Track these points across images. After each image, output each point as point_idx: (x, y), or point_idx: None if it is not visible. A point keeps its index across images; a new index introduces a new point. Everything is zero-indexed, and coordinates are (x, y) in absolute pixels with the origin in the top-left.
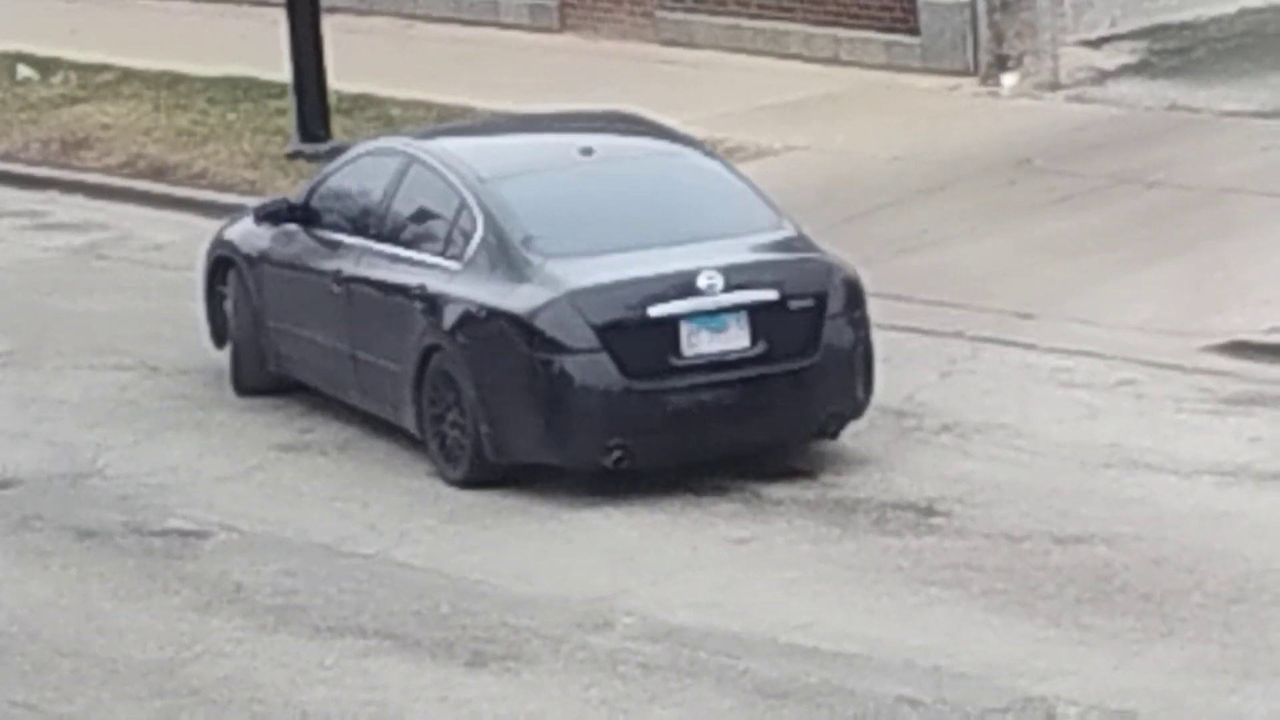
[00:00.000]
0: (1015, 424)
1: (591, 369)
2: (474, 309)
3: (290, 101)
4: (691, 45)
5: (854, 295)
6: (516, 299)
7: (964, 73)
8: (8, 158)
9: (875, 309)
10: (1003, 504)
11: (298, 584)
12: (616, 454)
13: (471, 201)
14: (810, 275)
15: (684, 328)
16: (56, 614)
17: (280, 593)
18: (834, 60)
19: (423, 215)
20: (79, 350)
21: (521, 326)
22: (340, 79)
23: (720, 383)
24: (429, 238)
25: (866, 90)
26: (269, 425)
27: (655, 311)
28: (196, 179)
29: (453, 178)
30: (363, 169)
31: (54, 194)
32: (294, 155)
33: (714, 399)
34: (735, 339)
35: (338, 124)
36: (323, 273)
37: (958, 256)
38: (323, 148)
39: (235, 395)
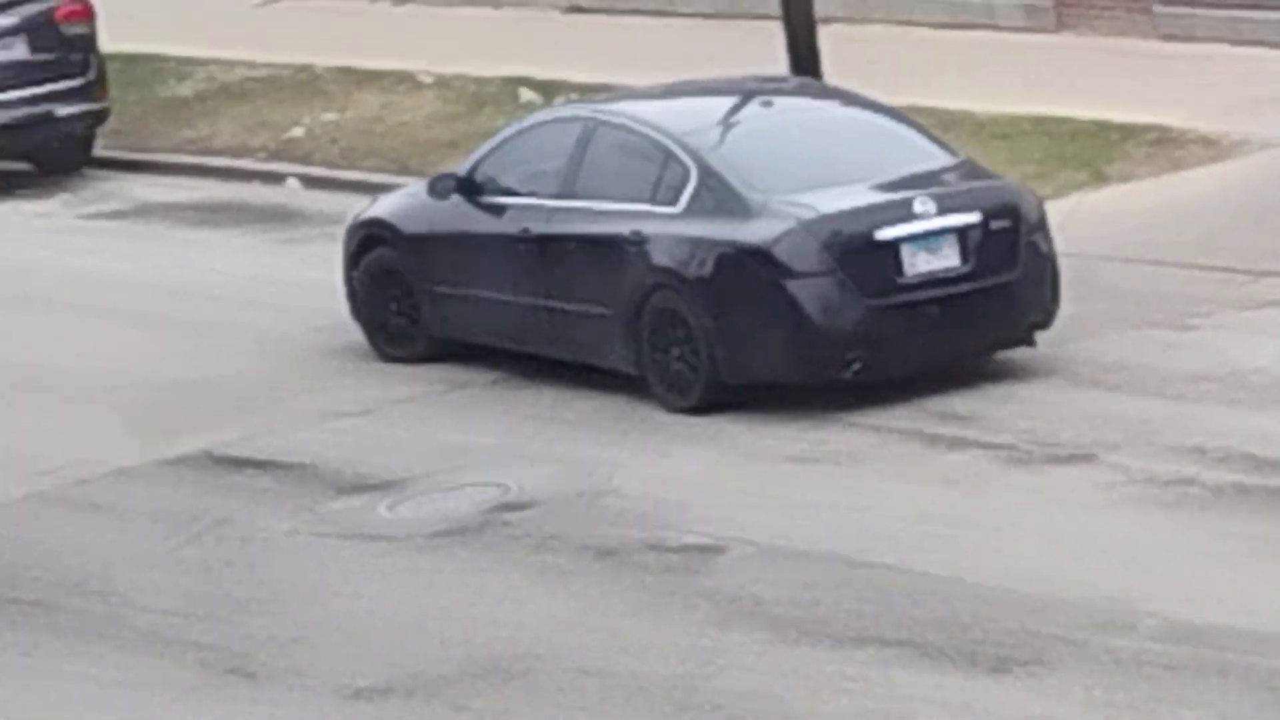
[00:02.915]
0: None
1: (830, 290)
2: (704, 246)
3: None
4: (1191, 39)
5: (1040, 214)
6: (752, 232)
7: None
8: None
9: None
10: None
11: (817, 595)
12: (855, 366)
13: (679, 152)
14: (1004, 198)
15: (905, 249)
16: (581, 634)
17: (800, 604)
18: None
19: (622, 170)
20: (587, 369)
21: (761, 256)
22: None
23: (939, 298)
24: (633, 189)
25: None
26: (781, 438)
27: (880, 235)
28: None
29: (653, 133)
30: (535, 138)
31: None
32: None
33: (935, 313)
34: (948, 258)
35: None
36: (503, 235)
37: None
38: None
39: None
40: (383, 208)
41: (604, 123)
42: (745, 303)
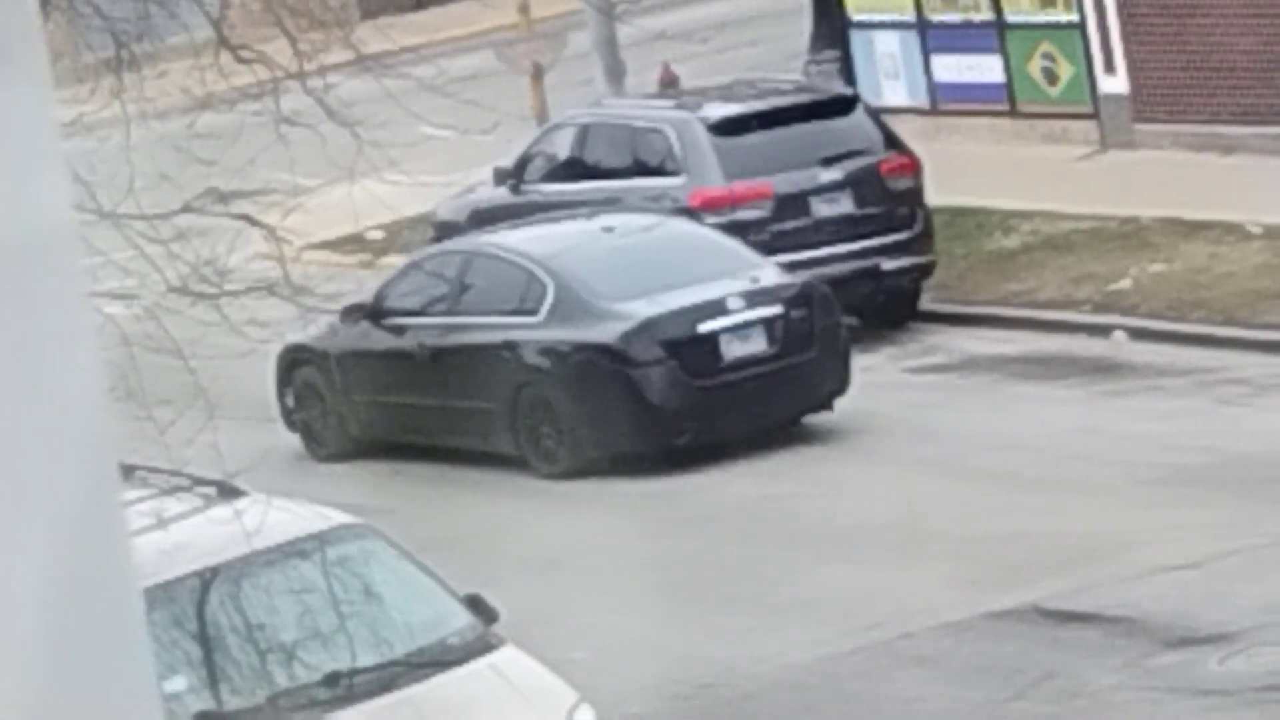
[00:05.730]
0: None
1: (667, 375)
2: (564, 346)
3: None
4: None
5: (830, 304)
6: (602, 332)
7: None
8: None
9: None
10: None
11: None
12: (688, 434)
13: (539, 271)
14: (800, 293)
15: (722, 339)
16: None
17: None
18: None
19: (494, 290)
20: None
21: (611, 351)
22: None
23: (753, 376)
24: (503, 305)
25: None
26: None
27: (703, 328)
28: None
29: (517, 259)
30: (425, 269)
31: None
32: None
33: (750, 389)
34: (757, 344)
35: None
36: (405, 350)
37: None
38: None
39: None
40: (305, 335)
41: (478, 254)
42: (600, 389)
